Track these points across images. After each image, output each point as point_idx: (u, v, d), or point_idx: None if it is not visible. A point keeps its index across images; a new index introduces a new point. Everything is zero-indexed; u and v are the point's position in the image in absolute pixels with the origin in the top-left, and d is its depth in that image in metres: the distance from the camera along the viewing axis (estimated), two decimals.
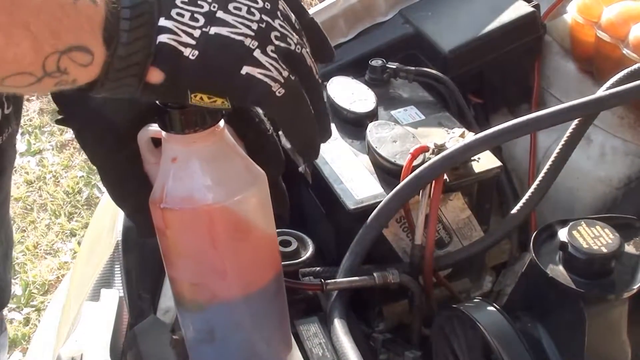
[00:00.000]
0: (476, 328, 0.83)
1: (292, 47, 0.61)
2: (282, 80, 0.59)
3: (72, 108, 0.74)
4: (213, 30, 0.57)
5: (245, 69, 0.58)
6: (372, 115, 1.13)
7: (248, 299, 0.69)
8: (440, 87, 1.24)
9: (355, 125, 1.12)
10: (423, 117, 1.15)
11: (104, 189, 2.61)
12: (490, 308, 0.85)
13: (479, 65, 1.30)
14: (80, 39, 0.52)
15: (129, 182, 0.71)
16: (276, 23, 0.59)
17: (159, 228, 0.67)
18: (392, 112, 1.17)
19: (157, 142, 0.69)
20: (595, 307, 0.80)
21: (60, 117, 0.76)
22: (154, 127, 0.67)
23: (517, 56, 1.32)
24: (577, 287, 0.79)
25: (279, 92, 0.59)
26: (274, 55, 0.59)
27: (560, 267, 0.82)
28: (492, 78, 1.33)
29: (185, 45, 0.56)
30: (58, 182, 3.07)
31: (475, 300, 0.92)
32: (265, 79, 0.58)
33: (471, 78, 1.31)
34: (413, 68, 1.23)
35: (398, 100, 1.20)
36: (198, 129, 0.63)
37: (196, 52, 0.56)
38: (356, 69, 1.26)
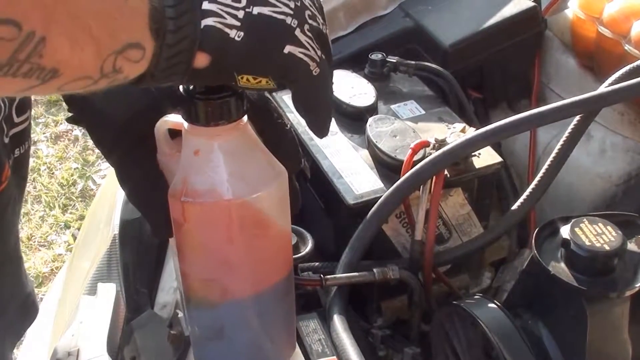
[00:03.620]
0: (477, 325, 0.82)
1: (321, 27, 0.61)
2: (318, 60, 0.60)
3: (81, 106, 0.74)
4: (256, 10, 0.56)
5: (288, 48, 0.58)
6: (372, 110, 1.12)
7: (260, 297, 0.68)
8: (440, 82, 1.24)
9: (354, 120, 1.11)
10: (423, 111, 1.15)
11: (98, 181, 2.60)
12: (491, 305, 0.85)
13: (479, 60, 1.30)
14: (134, 36, 0.52)
15: (144, 180, 0.70)
16: (307, 2, 0.60)
17: (176, 221, 0.66)
18: (392, 107, 1.16)
19: (173, 133, 0.68)
20: (597, 305, 0.80)
21: (70, 115, 0.75)
22: (172, 118, 0.66)
23: (517, 51, 1.32)
24: (579, 285, 0.79)
25: (315, 72, 0.60)
26: (310, 34, 0.59)
27: (562, 265, 0.81)
28: (492, 73, 1.33)
29: (231, 27, 0.55)
30: (52, 173, 3.05)
31: (475, 296, 0.91)
32: (305, 58, 0.59)
33: (471, 73, 1.31)
34: (413, 62, 1.22)
35: (398, 94, 1.20)
36: (223, 122, 0.62)
37: (241, 33, 0.56)
38: (356, 62, 1.26)
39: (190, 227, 0.65)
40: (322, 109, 0.66)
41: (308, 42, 0.59)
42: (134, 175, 0.71)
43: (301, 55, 0.59)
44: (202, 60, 0.56)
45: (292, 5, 0.58)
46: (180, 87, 0.63)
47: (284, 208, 0.69)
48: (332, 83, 0.66)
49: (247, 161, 0.65)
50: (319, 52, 0.60)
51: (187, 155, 0.64)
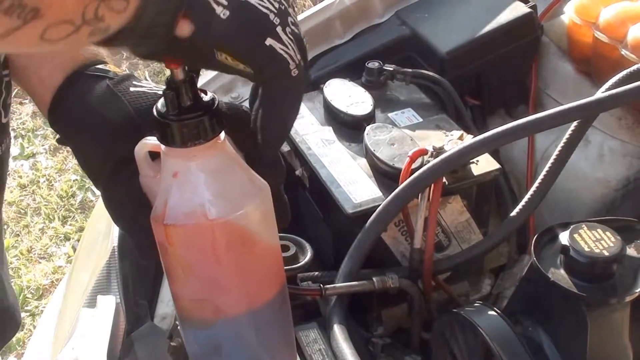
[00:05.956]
0: (477, 332, 0.82)
1: (302, 36, 0.62)
2: (297, 62, 0.60)
3: (66, 129, 0.74)
4: None
5: (269, 41, 0.59)
6: (370, 118, 1.12)
7: (254, 313, 0.68)
8: (438, 89, 1.23)
9: (352, 128, 1.11)
10: (420, 119, 1.15)
11: (98, 192, 2.59)
12: (491, 312, 0.85)
13: (476, 67, 1.30)
14: None
15: (129, 203, 0.70)
16: (290, 11, 0.61)
17: (161, 244, 0.65)
18: (390, 115, 1.16)
19: (154, 155, 0.68)
20: (597, 311, 0.80)
21: (59, 137, 0.76)
22: (152, 140, 0.66)
23: (514, 57, 1.32)
24: (579, 291, 0.79)
25: (294, 72, 0.60)
26: (291, 37, 0.60)
27: (562, 271, 0.81)
28: (490, 79, 1.32)
29: (218, 3, 0.56)
30: (52, 185, 3.05)
31: (475, 304, 0.91)
32: (286, 56, 0.60)
33: (468, 79, 1.31)
34: (410, 70, 1.22)
35: (395, 102, 1.20)
36: (200, 142, 0.62)
37: (227, 12, 0.57)
38: (353, 71, 1.26)
39: (176, 250, 0.65)
40: (288, 118, 0.65)
41: (289, 43, 0.60)
42: (118, 197, 0.71)
43: (282, 52, 0.59)
44: (184, 28, 0.56)
45: (276, 5, 0.59)
46: (154, 110, 0.62)
47: (270, 223, 0.68)
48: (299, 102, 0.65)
49: (228, 179, 0.64)
50: (298, 56, 0.60)
51: (166, 177, 0.64)
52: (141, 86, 0.72)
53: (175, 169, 0.63)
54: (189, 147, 0.62)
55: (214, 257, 0.64)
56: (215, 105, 0.62)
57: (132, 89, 0.72)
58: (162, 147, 0.63)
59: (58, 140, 0.76)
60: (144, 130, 0.67)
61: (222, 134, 0.64)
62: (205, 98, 0.63)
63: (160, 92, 0.70)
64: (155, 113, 0.62)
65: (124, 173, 0.69)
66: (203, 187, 0.63)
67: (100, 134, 0.70)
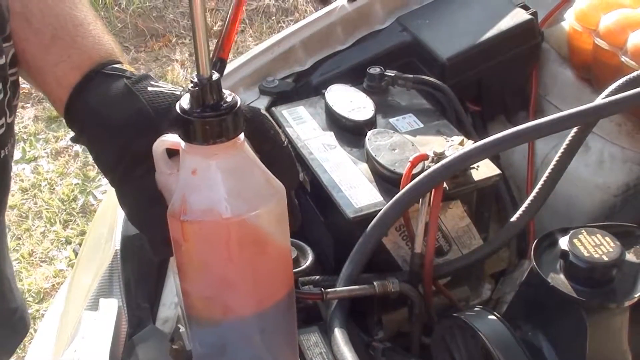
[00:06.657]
0: (477, 337, 0.83)
1: None
2: None
3: (83, 126, 0.74)
4: None
5: None
6: (371, 123, 1.13)
7: (261, 314, 0.68)
8: (439, 95, 1.24)
9: (354, 134, 1.12)
10: (421, 125, 1.15)
11: (99, 196, 2.58)
12: (491, 317, 0.85)
13: (477, 73, 1.31)
14: None
15: (143, 199, 0.70)
16: None
17: (176, 241, 0.66)
18: (391, 120, 1.16)
19: (170, 153, 0.68)
20: (597, 316, 0.80)
21: (74, 135, 0.76)
22: (170, 138, 0.66)
23: (515, 63, 1.32)
24: (578, 296, 0.79)
25: None
26: None
27: (561, 276, 0.82)
28: (490, 85, 1.33)
29: None
30: (53, 189, 3.05)
31: (475, 309, 0.91)
32: None
33: (469, 86, 1.32)
34: (411, 76, 1.23)
35: (396, 108, 1.20)
36: (221, 140, 0.63)
37: None
38: (354, 76, 1.26)
39: (190, 246, 0.65)
40: None
41: None
42: (133, 194, 0.71)
43: None
44: None
45: None
46: (177, 106, 0.63)
47: (283, 225, 0.68)
48: None
49: (245, 179, 0.65)
50: None
51: (185, 174, 0.64)
52: (159, 86, 0.73)
53: (194, 166, 0.64)
54: (210, 144, 0.62)
55: (227, 255, 0.65)
56: (238, 105, 0.63)
57: (150, 88, 0.73)
58: (182, 144, 0.64)
59: (72, 139, 0.76)
60: (160, 129, 0.68)
61: (242, 135, 0.65)
62: (228, 98, 0.63)
63: (178, 93, 0.71)
64: (178, 109, 0.63)
65: (139, 170, 0.70)
66: (221, 186, 0.63)
67: (117, 130, 0.71)
